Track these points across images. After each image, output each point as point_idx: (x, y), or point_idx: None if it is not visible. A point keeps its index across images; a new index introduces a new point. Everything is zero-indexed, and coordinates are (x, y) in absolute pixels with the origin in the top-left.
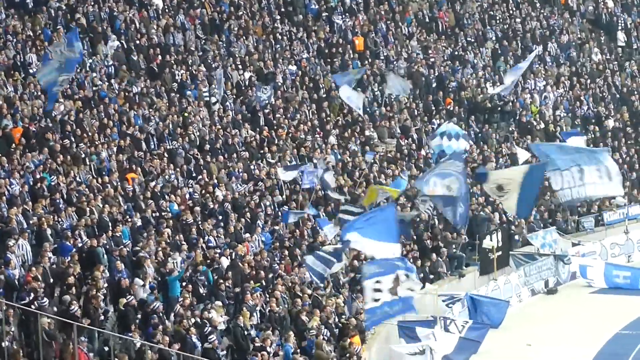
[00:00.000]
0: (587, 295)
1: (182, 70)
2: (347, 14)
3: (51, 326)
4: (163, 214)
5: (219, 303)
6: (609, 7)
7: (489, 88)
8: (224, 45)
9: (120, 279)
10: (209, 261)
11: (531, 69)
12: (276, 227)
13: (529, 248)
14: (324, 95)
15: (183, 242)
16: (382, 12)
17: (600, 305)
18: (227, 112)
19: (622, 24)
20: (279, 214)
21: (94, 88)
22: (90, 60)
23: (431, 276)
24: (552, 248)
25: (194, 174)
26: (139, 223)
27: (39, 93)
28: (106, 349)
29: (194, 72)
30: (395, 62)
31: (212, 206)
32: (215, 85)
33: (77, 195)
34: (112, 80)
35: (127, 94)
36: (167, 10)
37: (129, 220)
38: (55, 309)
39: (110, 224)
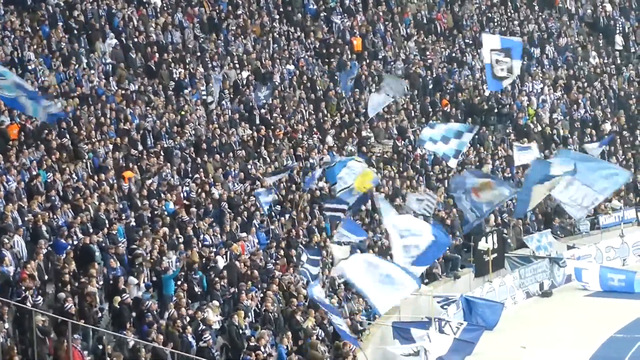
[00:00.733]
0: (582, 298)
1: (179, 68)
2: (345, 15)
3: (45, 324)
4: (158, 212)
5: (215, 303)
6: (607, 11)
7: (486, 90)
8: (222, 44)
9: (115, 277)
10: (204, 260)
11: (529, 71)
12: (272, 227)
13: (524, 250)
14: (321, 96)
15: (180, 236)
16: (381, 13)
17: (595, 308)
18: (224, 111)
19: (620, 28)
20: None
21: (91, 85)
22: (88, 58)
23: (426, 279)
24: (547, 251)
25: (190, 174)
26: (134, 222)
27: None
28: (100, 347)
29: (191, 70)
30: (393, 63)
31: (208, 205)
32: (213, 85)
33: (72, 192)
34: (110, 78)
35: (124, 91)
36: (165, 9)
37: (125, 218)
38: (50, 306)
39: (106, 222)
